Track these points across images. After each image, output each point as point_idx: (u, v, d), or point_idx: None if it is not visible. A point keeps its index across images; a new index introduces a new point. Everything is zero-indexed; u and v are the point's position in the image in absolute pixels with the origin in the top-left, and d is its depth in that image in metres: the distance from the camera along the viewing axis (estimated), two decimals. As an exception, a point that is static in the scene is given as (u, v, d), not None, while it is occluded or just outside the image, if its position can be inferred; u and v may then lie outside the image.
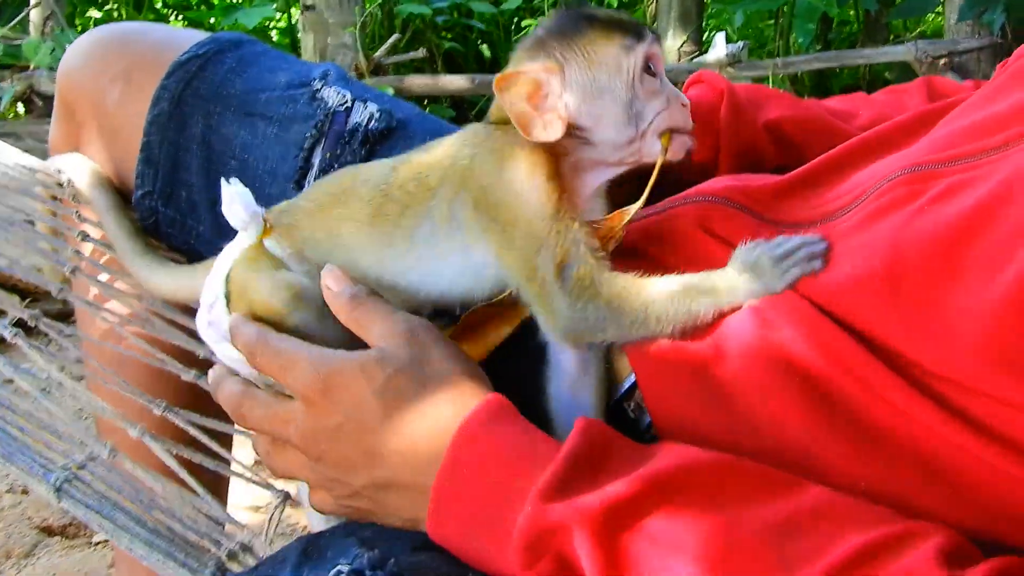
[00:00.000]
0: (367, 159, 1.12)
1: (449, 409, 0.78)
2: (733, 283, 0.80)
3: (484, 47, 4.53)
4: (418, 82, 3.68)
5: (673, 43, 3.82)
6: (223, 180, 0.89)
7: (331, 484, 0.83)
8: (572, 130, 0.83)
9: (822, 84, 3.84)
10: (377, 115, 1.14)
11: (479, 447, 0.74)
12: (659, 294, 0.80)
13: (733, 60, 3.47)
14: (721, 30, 3.88)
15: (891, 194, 0.80)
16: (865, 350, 0.73)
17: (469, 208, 0.85)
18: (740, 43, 3.59)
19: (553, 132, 0.82)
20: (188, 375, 1.08)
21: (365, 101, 1.16)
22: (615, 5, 4.39)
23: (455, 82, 3.70)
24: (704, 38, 3.90)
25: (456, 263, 0.87)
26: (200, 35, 1.22)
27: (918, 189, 0.77)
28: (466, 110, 4.24)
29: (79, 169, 1.19)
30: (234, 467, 1.06)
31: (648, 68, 0.84)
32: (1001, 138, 0.75)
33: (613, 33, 0.84)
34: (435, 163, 0.88)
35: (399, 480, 0.79)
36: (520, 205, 0.83)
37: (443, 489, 0.74)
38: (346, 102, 1.15)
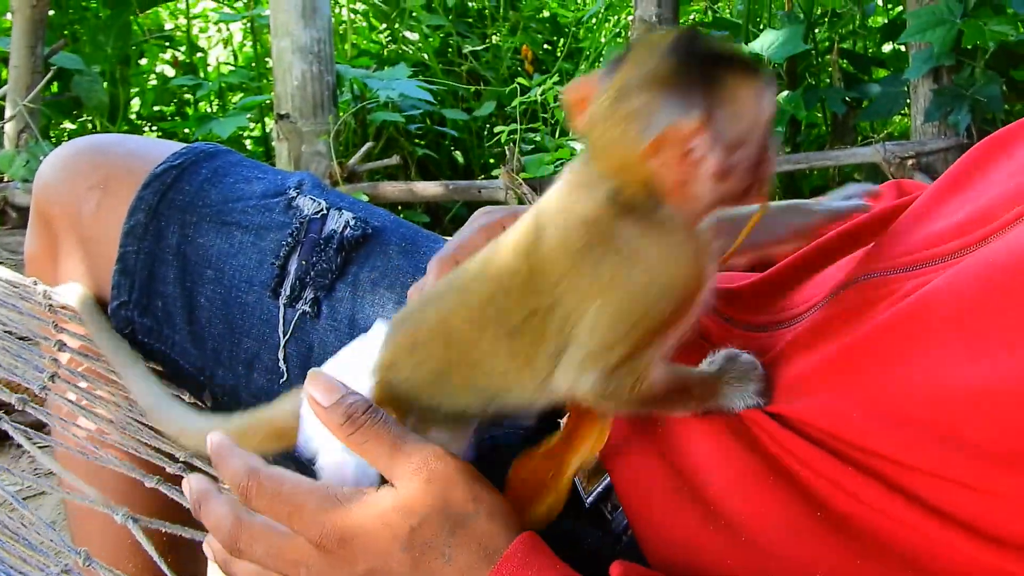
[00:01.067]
0: (343, 266, 1.13)
1: (480, 556, 0.74)
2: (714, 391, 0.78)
3: (457, 153, 4.58)
4: (391, 189, 3.71)
5: None
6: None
7: None
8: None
9: (792, 186, 3.90)
10: (352, 223, 1.15)
11: None
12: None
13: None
14: None
15: (845, 303, 0.82)
16: (827, 454, 0.73)
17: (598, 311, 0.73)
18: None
19: (704, 199, 0.70)
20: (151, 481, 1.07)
21: (340, 209, 1.17)
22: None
23: (428, 188, 3.73)
24: None
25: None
26: (176, 145, 1.23)
27: (871, 297, 0.78)
28: (441, 215, 4.27)
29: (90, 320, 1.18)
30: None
31: None
32: (956, 244, 0.76)
33: (751, 74, 0.71)
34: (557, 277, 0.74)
35: None
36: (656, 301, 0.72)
37: None
38: (321, 210, 1.16)
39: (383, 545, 0.74)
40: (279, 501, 0.76)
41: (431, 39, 4.80)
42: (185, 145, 1.23)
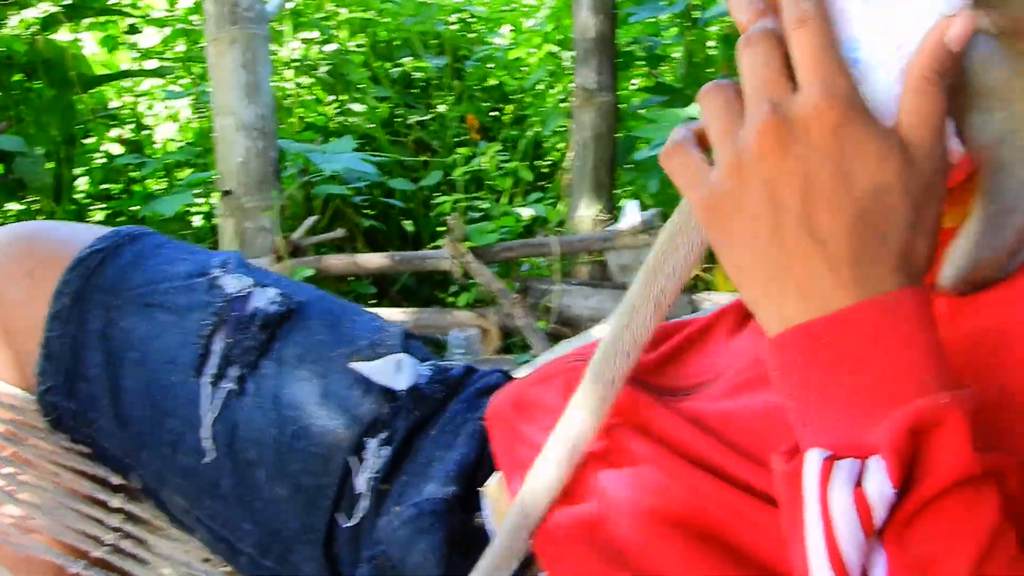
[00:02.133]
0: (267, 343, 1.14)
1: (907, 267, 0.69)
2: None
3: (408, 222, 4.60)
4: (336, 262, 3.73)
5: (587, 213, 3.92)
6: None
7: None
8: None
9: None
10: (276, 299, 1.17)
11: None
12: None
13: (647, 227, 3.57)
14: (635, 198, 4.00)
15: (750, 372, 0.85)
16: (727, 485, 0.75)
17: None
18: (653, 210, 3.70)
19: None
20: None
21: (265, 286, 1.18)
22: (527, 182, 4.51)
23: (374, 260, 3.75)
24: (617, 206, 4.01)
25: None
26: (103, 230, 1.24)
27: None
28: (387, 286, 4.29)
29: None
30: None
31: None
32: None
33: None
34: None
35: (823, 254, 0.68)
36: None
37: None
38: (245, 288, 1.17)
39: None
40: None
41: (379, 110, 4.85)
42: (111, 229, 1.24)
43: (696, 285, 3.65)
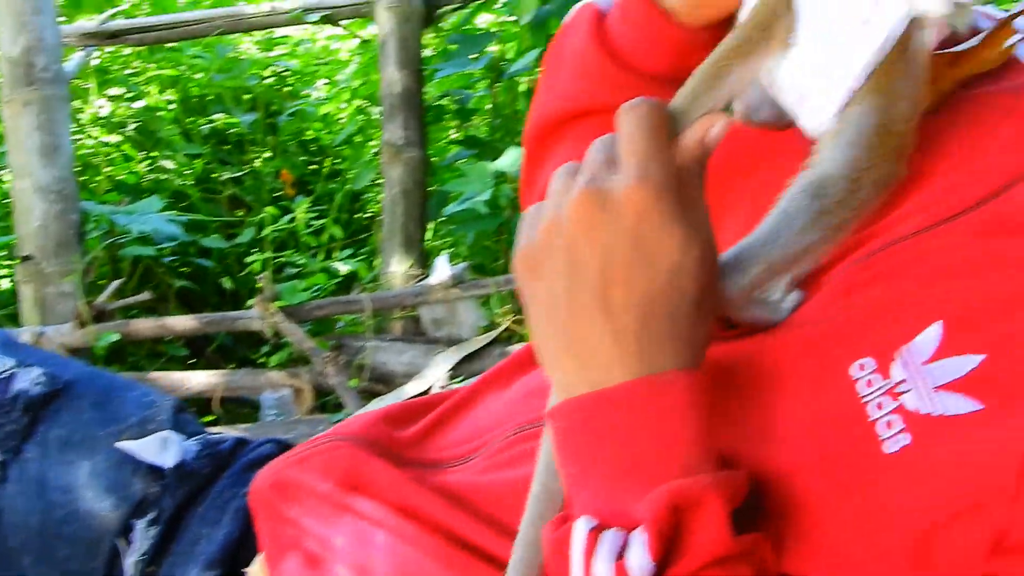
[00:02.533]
0: (31, 426, 1.12)
1: (691, 350, 0.74)
2: None
3: (226, 279, 4.54)
4: (144, 325, 3.65)
5: (399, 268, 3.93)
6: None
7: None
8: None
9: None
10: (41, 380, 1.15)
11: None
12: None
13: (457, 281, 3.61)
14: (448, 251, 4.04)
15: (511, 450, 0.88)
16: None
17: None
18: (462, 264, 3.74)
19: None
20: None
21: (29, 366, 1.16)
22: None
23: (183, 323, 3.68)
24: (430, 261, 4.04)
25: None
26: None
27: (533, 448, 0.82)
28: (203, 347, 4.21)
29: None
30: None
31: None
32: None
33: None
34: None
35: (612, 329, 0.72)
36: None
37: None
38: (7, 370, 1.15)
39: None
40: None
41: (195, 166, 4.79)
42: None
43: (510, 337, 3.70)
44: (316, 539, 0.95)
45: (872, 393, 0.73)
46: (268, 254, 3.75)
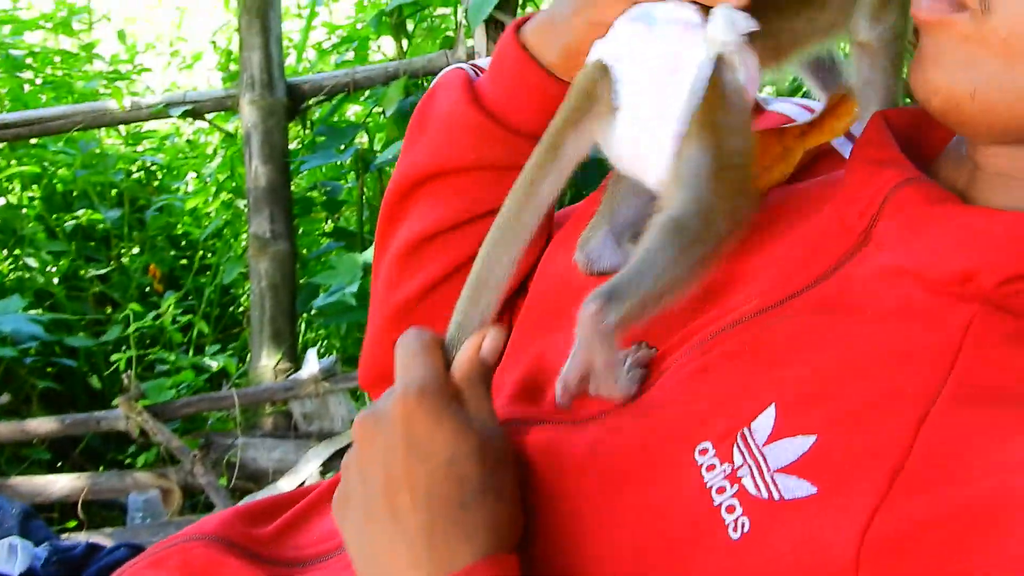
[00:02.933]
0: None
1: (485, 538, 0.78)
2: None
3: (94, 378, 4.44)
4: (3, 429, 3.56)
5: (268, 363, 3.91)
6: None
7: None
8: None
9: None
10: None
11: None
12: None
13: (327, 374, 3.61)
14: (317, 345, 4.04)
15: None
16: None
17: None
18: (331, 357, 3.74)
19: None
20: None
21: None
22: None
23: (44, 425, 3.60)
24: (300, 355, 4.03)
25: None
26: None
27: None
28: (68, 449, 4.11)
29: None
30: None
31: None
32: None
33: None
34: None
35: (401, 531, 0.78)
36: None
37: None
38: None
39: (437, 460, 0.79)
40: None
41: (59, 264, 4.71)
42: None
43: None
44: None
45: (714, 477, 0.77)
46: (133, 352, 3.70)
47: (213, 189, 4.56)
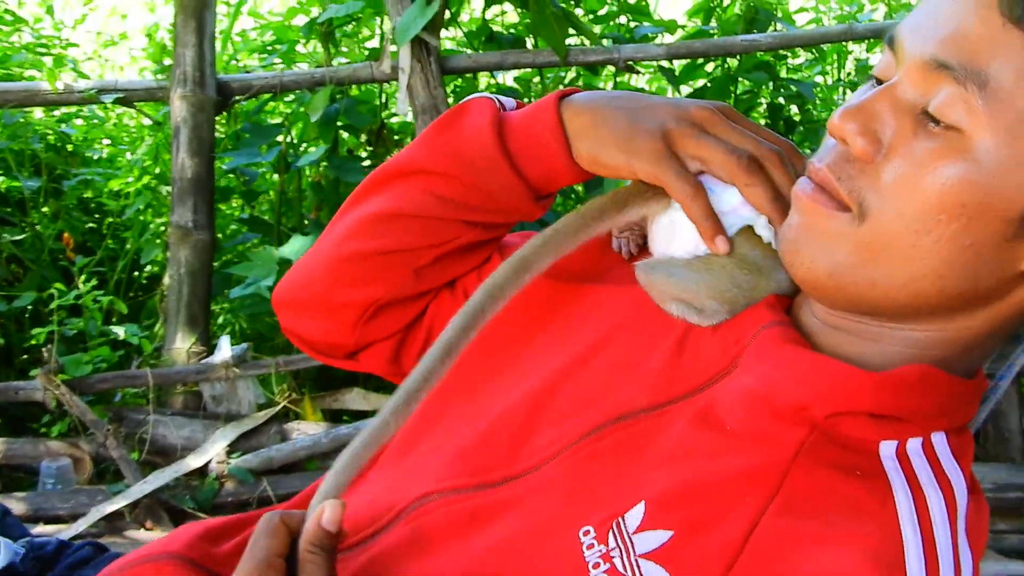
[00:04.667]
0: None
1: None
2: None
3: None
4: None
5: (182, 344, 4.04)
6: None
7: None
8: None
9: (321, 377, 4.23)
10: None
11: None
12: None
13: (238, 361, 3.79)
14: (226, 334, 4.17)
15: None
16: None
17: None
18: (243, 345, 3.92)
19: None
20: None
21: None
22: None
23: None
24: (213, 340, 4.17)
25: None
26: None
27: None
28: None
29: None
30: None
31: None
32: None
33: None
34: None
35: None
36: None
37: None
38: None
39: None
40: None
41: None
42: None
43: (287, 414, 3.90)
44: None
45: (593, 554, 0.90)
46: (55, 327, 3.83)
47: (137, 172, 4.64)
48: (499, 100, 1.12)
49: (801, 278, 0.95)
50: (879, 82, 0.91)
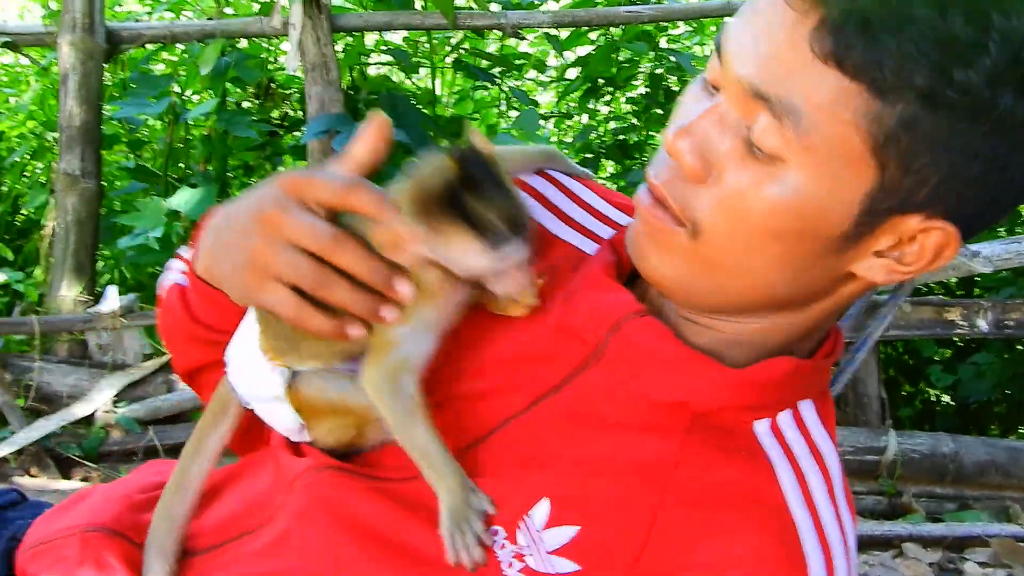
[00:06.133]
0: None
1: None
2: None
3: None
4: None
5: (68, 292, 4.04)
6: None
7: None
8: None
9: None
10: None
11: None
12: (428, 436, 0.95)
13: (126, 311, 3.82)
14: (113, 284, 4.18)
15: (256, 543, 1.06)
16: None
17: None
18: (131, 295, 3.95)
19: (408, 262, 0.94)
20: None
21: None
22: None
23: None
24: (99, 288, 4.18)
25: None
26: None
27: None
28: None
29: None
30: None
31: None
32: None
33: (470, 235, 0.91)
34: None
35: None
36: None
37: None
38: None
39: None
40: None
41: None
42: None
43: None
44: None
45: (504, 554, 0.93)
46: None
47: (23, 117, 4.60)
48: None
49: (651, 280, 0.99)
50: (713, 87, 0.94)
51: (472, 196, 0.91)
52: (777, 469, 0.95)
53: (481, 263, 0.93)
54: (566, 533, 0.92)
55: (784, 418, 0.99)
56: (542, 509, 0.93)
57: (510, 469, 0.97)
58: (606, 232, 1.15)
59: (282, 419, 1.05)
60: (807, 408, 1.01)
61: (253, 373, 1.05)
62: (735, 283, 0.95)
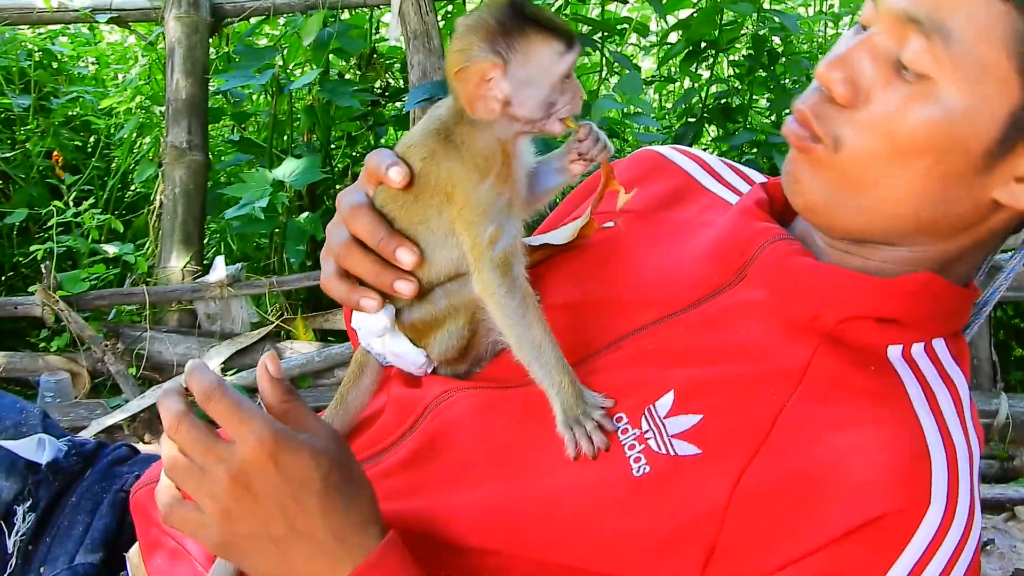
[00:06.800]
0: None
1: (371, 511, 0.97)
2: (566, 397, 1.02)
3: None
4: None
5: (177, 263, 4.12)
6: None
7: (228, 524, 0.93)
8: (503, 107, 1.03)
9: (311, 299, 4.31)
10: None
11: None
12: (543, 333, 1.04)
13: (233, 280, 3.86)
14: (221, 254, 4.22)
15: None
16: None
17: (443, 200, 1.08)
18: (238, 265, 3.99)
19: (491, 112, 1.04)
20: None
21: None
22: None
23: (-36, 305, 3.76)
24: (207, 259, 4.23)
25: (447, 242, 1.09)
26: None
27: None
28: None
29: None
30: None
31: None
32: None
33: (550, 39, 1.03)
34: (419, 174, 1.08)
35: (317, 545, 0.93)
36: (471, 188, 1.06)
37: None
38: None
39: (306, 471, 0.93)
40: (236, 408, 0.92)
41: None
42: None
43: (279, 333, 3.98)
44: (176, 540, 1.20)
45: (627, 438, 1.00)
46: (54, 244, 3.88)
47: (132, 92, 4.66)
48: None
49: (802, 206, 1.07)
50: (864, 28, 1.03)
51: (533, 10, 1.02)
52: (907, 385, 1.00)
53: (562, 67, 1.03)
54: (688, 420, 0.99)
55: (917, 349, 1.04)
56: (668, 399, 1.01)
57: (639, 367, 1.06)
58: (747, 188, 1.25)
59: (406, 354, 1.16)
60: (940, 345, 1.06)
61: (366, 319, 1.16)
62: (880, 204, 1.01)
